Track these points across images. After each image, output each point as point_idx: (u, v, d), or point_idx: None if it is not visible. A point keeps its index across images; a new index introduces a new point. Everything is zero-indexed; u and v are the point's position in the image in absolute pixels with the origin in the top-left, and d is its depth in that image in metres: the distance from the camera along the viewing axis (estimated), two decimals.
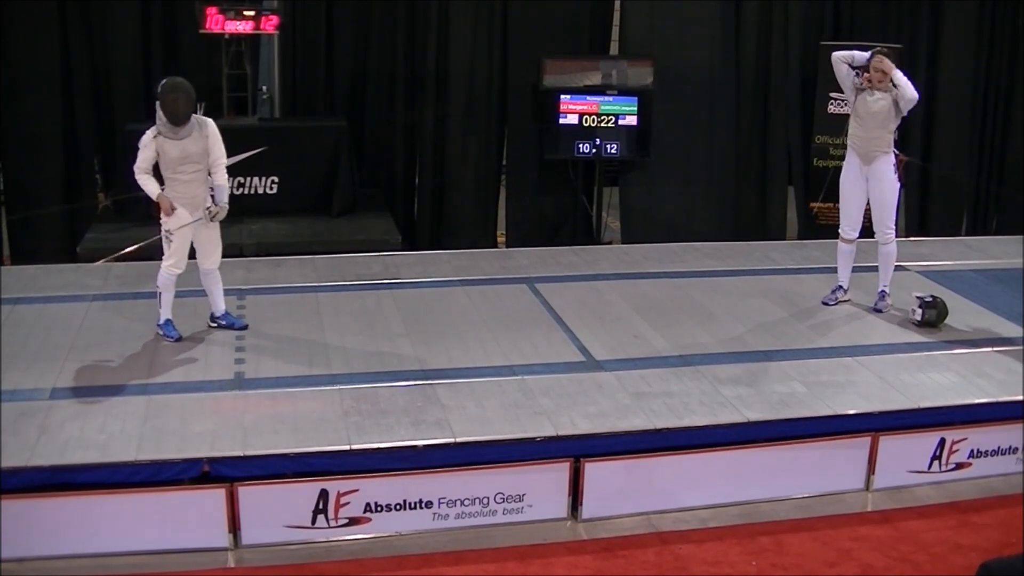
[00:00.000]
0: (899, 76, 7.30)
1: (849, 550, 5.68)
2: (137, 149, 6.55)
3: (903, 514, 6.07)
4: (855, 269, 8.05)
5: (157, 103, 6.49)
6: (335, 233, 9.64)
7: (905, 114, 7.45)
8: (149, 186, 6.59)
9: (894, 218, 7.72)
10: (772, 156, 11.45)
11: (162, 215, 6.65)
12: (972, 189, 11.92)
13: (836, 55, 7.57)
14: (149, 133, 6.53)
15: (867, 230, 7.85)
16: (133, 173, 6.58)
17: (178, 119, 6.50)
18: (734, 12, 11.13)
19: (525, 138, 10.93)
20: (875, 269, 7.92)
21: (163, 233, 6.72)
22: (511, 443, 5.79)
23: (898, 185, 7.62)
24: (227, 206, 6.84)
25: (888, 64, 7.30)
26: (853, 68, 7.49)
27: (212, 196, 6.79)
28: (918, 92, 7.37)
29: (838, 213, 7.93)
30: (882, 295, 7.89)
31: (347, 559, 5.47)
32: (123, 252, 7.63)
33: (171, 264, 6.76)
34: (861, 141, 7.55)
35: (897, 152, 7.59)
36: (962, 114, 11.69)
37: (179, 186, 6.63)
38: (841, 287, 8.04)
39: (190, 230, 6.73)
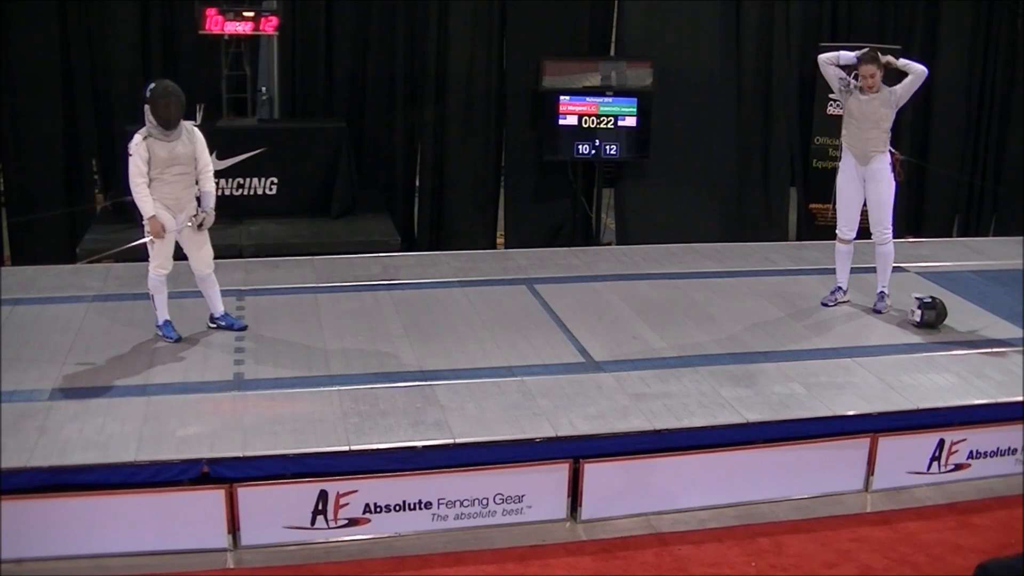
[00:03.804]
0: (901, 61, 7.29)
1: (848, 551, 5.68)
2: (128, 155, 6.53)
3: (902, 515, 6.08)
4: (854, 270, 8.05)
5: (147, 107, 6.48)
6: (334, 234, 9.65)
7: (915, 89, 7.34)
8: (145, 204, 6.55)
9: (891, 218, 7.72)
10: (773, 157, 11.46)
11: (147, 230, 6.64)
12: (967, 189, 11.93)
13: (822, 58, 7.56)
14: (138, 136, 6.52)
15: (864, 231, 7.85)
16: (129, 182, 6.55)
17: (170, 123, 6.51)
18: (733, 13, 11.13)
19: (524, 139, 10.93)
20: (874, 270, 7.92)
21: (146, 235, 6.70)
22: (510, 444, 5.79)
23: (895, 184, 7.62)
24: (214, 212, 6.83)
25: (875, 68, 7.29)
26: (841, 67, 7.49)
27: (199, 200, 6.79)
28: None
29: (835, 214, 7.94)
30: (881, 296, 7.89)
31: (346, 560, 5.47)
32: (110, 252, 7.64)
33: (157, 265, 6.76)
34: (857, 141, 7.55)
35: (893, 151, 7.59)
36: (959, 114, 11.71)
37: (164, 187, 6.62)
38: (840, 288, 8.04)
39: (173, 233, 6.73)
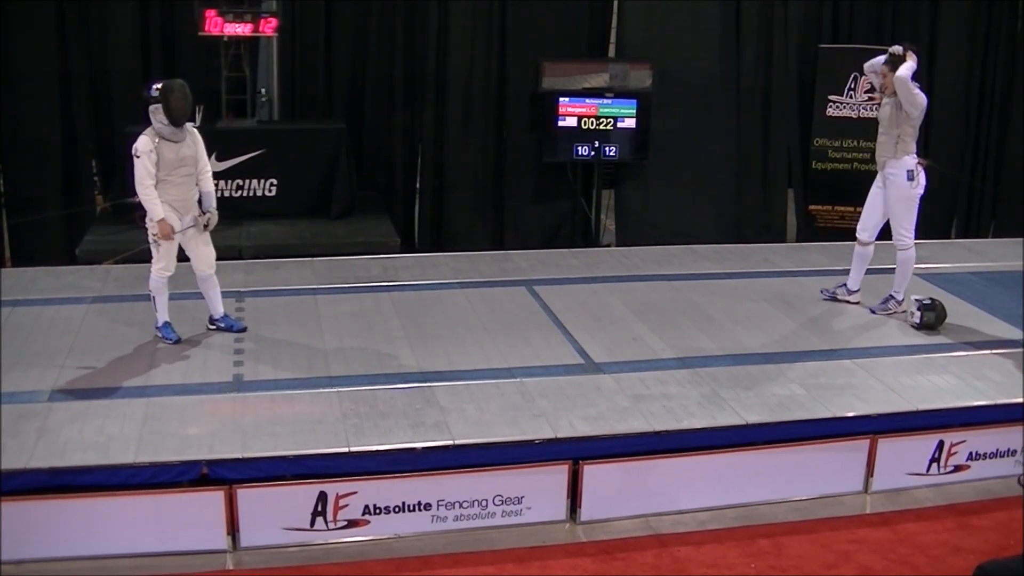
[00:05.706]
0: (899, 83, 7.26)
1: (848, 552, 5.69)
2: (133, 158, 6.51)
3: (902, 516, 6.08)
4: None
5: (157, 106, 6.45)
6: (334, 235, 9.65)
7: (914, 119, 7.38)
8: (155, 207, 6.54)
9: (908, 224, 7.62)
10: (772, 158, 11.45)
11: (150, 226, 6.63)
12: (967, 190, 11.91)
13: (866, 66, 7.69)
14: (147, 139, 6.50)
15: (882, 233, 7.83)
16: (136, 184, 6.54)
17: (182, 120, 6.52)
18: (733, 14, 11.13)
19: (524, 141, 10.92)
20: (874, 272, 7.91)
21: (150, 237, 6.71)
22: (510, 445, 5.79)
23: (914, 192, 7.51)
24: (217, 212, 6.84)
25: (885, 68, 7.32)
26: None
27: (200, 202, 6.80)
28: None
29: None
30: (887, 299, 7.87)
31: (346, 561, 5.48)
32: (116, 257, 7.65)
33: (161, 268, 6.76)
34: (876, 146, 7.63)
35: (919, 158, 7.55)
36: (959, 114, 11.70)
37: (171, 189, 6.62)
38: (846, 286, 8.03)
39: (179, 235, 6.74)
